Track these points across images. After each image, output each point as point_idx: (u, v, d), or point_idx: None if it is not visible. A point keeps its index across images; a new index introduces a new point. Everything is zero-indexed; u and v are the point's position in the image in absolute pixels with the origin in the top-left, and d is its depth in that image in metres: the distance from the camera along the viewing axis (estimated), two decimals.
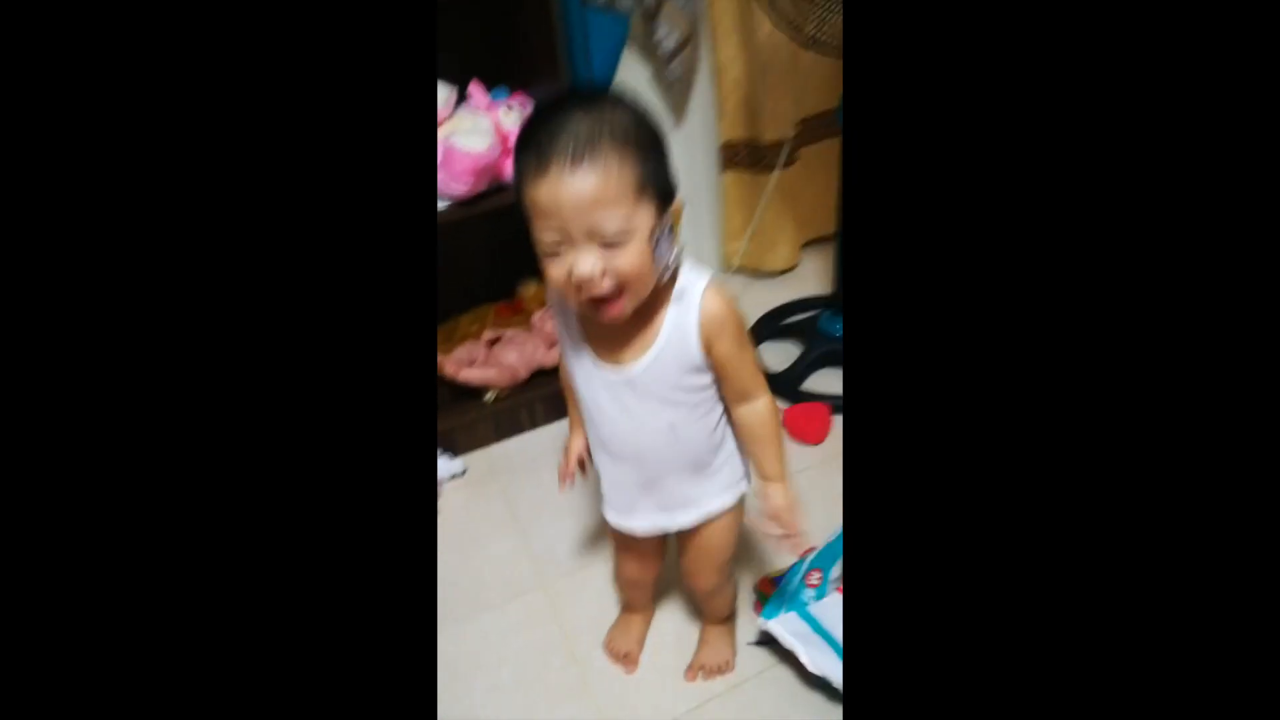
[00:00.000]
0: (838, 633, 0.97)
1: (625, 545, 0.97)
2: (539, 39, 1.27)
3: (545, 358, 1.48)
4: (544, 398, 1.49)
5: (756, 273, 1.90)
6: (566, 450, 0.95)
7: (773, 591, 1.06)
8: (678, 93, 1.66)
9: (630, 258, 0.66)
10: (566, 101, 0.66)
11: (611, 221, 0.64)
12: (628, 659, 1.06)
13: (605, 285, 0.66)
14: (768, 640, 1.02)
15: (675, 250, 0.71)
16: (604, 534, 1.22)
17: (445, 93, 1.22)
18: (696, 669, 1.03)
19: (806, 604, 1.01)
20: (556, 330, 0.83)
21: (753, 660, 1.04)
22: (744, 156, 1.75)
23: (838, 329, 1.58)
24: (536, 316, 1.50)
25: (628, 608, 1.10)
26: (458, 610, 1.17)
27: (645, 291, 0.70)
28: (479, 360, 1.44)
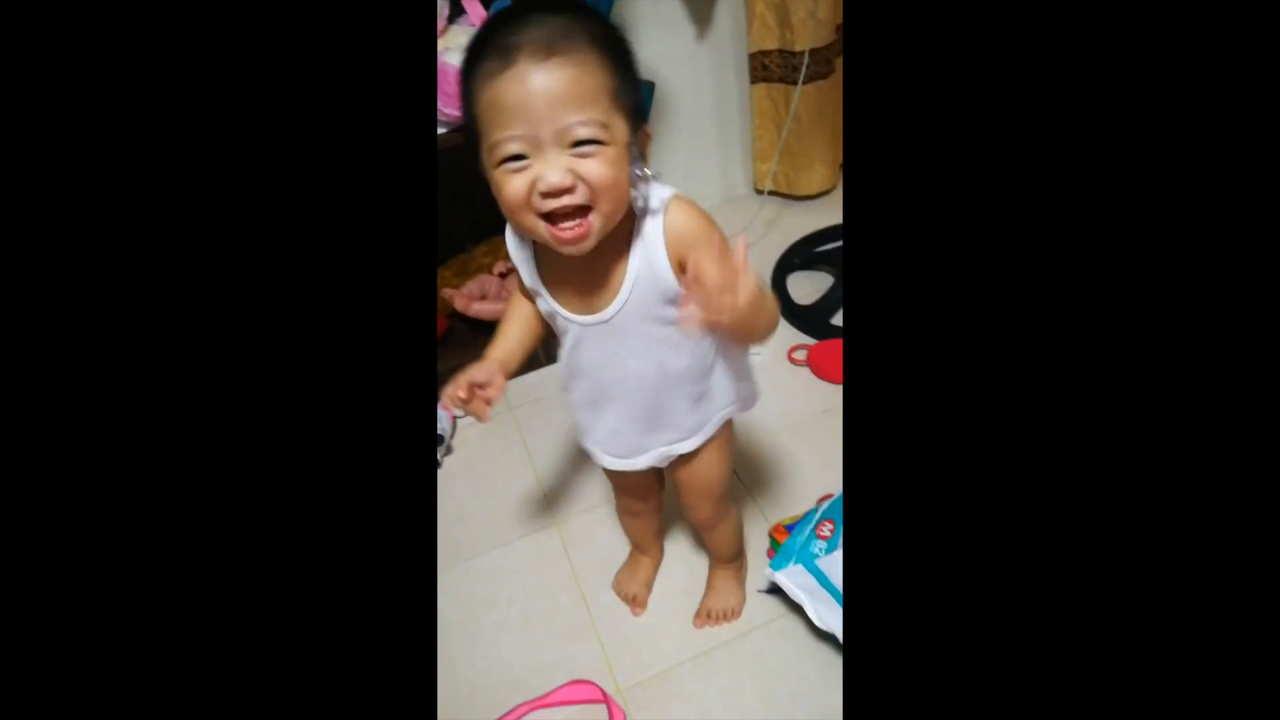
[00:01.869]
0: None
1: (620, 480, 0.94)
2: None
3: None
4: None
5: (790, 196, 1.79)
6: (457, 377, 0.78)
7: (785, 539, 1.02)
8: None
9: (604, 165, 0.59)
10: (529, 5, 0.59)
11: (586, 122, 0.58)
12: (635, 601, 1.05)
13: (577, 196, 0.59)
14: (778, 589, 0.98)
15: (647, 180, 0.64)
16: None
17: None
18: (704, 615, 1.01)
19: (816, 557, 0.97)
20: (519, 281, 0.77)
21: (763, 608, 1.01)
22: (775, 67, 1.61)
23: None
24: None
25: (636, 549, 1.08)
26: (470, 546, 1.17)
27: (617, 213, 0.63)
28: (491, 294, 1.40)
